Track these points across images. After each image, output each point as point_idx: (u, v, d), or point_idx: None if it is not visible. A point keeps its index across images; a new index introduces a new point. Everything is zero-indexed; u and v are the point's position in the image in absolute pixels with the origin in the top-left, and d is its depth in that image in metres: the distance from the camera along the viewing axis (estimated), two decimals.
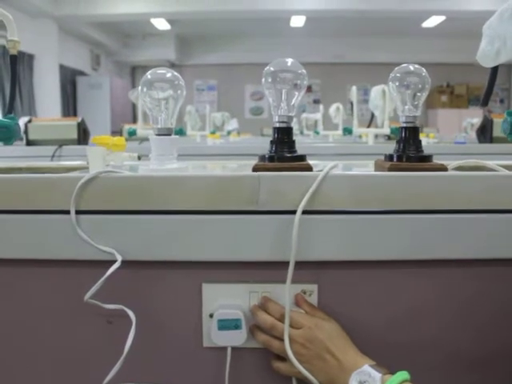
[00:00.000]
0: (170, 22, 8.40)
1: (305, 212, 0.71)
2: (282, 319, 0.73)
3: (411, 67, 0.81)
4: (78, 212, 0.73)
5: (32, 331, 0.79)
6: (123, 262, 0.72)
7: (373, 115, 3.06)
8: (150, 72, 0.81)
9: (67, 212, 0.73)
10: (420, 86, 0.80)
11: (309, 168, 0.77)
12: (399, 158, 0.80)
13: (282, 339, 0.72)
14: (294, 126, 5.52)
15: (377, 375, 0.64)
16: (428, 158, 0.80)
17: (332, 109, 4.32)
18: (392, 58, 7.87)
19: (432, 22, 8.33)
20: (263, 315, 0.75)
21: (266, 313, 0.75)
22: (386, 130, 2.86)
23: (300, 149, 0.81)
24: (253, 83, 10.20)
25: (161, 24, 8.50)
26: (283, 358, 0.74)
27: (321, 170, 0.73)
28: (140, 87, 0.80)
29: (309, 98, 10.44)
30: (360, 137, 3.95)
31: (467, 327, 0.78)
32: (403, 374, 0.64)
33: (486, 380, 0.79)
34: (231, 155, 2.57)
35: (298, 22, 8.36)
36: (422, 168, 0.77)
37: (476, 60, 0.86)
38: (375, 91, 2.94)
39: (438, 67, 8.94)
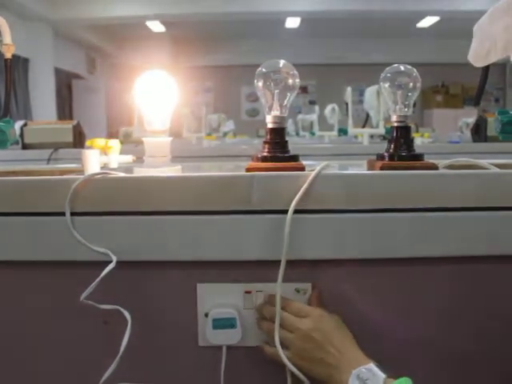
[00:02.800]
0: (165, 24, 8.39)
1: (297, 211, 0.72)
2: (286, 308, 0.74)
3: (401, 67, 0.82)
4: (73, 214, 0.74)
5: (28, 332, 0.80)
6: (118, 262, 0.73)
7: (368, 115, 3.08)
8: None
9: (62, 214, 0.74)
10: (411, 85, 0.82)
11: (301, 168, 0.78)
12: (390, 157, 0.81)
13: (284, 328, 0.73)
14: (290, 127, 5.52)
15: (381, 375, 0.65)
16: (419, 157, 0.81)
17: (327, 110, 4.33)
18: (387, 58, 7.84)
19: (426, 22, 8.36)
20: (267, 307, 0.76)
21: (270, 305, 0.76)
22: (381, 130, 2.88)
23: (296, 150, 0.82)
24: (249, 85, 10.19)
25: (156, 26, 8.49)
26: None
27: (313, 170, 0.74)
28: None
29: (304, 99, 10.45)
30: (356, 137, 3.96)
31: (460, 325, 0.79)
32: (405, 381, 0.64)
33: (479, 378, 0.80)
34: (227, 156, 2.57)
35: (292, 23, 8.37)
36: (413, 167, 0.78)
37: None
38: (370, 92, 2.95)
39: (433, 67, 8.95)
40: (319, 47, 9.81)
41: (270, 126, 0.81)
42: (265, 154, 0.80)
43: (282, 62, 0.80)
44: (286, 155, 0.80)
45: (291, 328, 0.73)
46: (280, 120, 0.80)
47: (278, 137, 0.81)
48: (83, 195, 0.74)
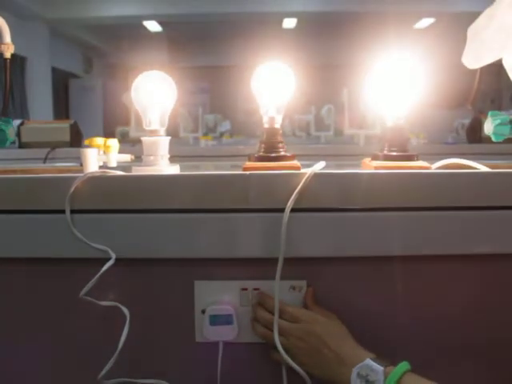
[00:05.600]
0: (161, 24, 8.39)
1: (293, 210, 0.73)
2: (280, 314, 0.75)
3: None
4: (72, 211, 0.75)
5: (28, 328, 0.81)
6: (117, 259, 0.74)
7: (364, 116, 3.09)
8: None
9: (62, 211, 0.75)
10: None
11: (297, 167, 0.79)
12: (384, 158, 0.83)
13: (279, 334, 0.74)
14: (287, 127, 5.53)
15: (379, 368, 0.66)
16: (412, 158, 0.83)
17: (324, 110, 4.34)
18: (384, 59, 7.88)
19: (424, 23, 8.39)
20: (261, 312, 0.77)
21: (263, 309, 0.77)
22: (378, 131, 2.89)
23: (292, 150, 0.83)
24: (246, 85, 10.18)
25: (153, 26, 8.49)
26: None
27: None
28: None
29: (301, 99, 10.46)
30: (353, 138, 3.96)
31: (457, 322, 0.80)
32: (405, 365, 0.66)
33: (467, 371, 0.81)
34: (224, 156, 2.58)
35: (289, 23, 8.38)
36: (406, 167, 0.80)
37: None
38: (365, 92, 2.96)
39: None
40: (316, 47, 9.82)
41: (266, 126, 0.82)
42: (261, 153, 0.82)
43: (277, 64, 0.83)
44: (282, 155, 0.81)
45: (285, 334, 0.74)
46: (276, 120, 0.82)
47: (273, 137, 0.82)
48: (83, 193, 0.75)
